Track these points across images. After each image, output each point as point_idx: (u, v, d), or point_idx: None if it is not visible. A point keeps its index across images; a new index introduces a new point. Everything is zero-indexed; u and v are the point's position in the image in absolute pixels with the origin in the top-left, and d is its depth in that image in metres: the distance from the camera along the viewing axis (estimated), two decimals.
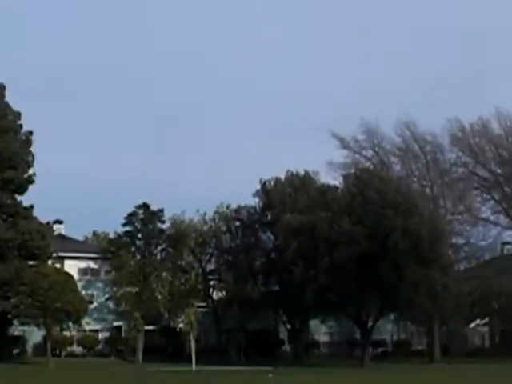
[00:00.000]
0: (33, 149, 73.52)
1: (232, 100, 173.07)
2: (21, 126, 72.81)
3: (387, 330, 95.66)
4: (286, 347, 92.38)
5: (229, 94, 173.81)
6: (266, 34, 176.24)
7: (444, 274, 76.52)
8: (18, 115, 72.38)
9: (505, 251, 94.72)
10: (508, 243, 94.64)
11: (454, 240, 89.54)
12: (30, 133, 73.16)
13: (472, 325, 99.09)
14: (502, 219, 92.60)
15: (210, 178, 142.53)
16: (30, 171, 73.11)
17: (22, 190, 73.26)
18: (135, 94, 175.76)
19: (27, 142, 72.86)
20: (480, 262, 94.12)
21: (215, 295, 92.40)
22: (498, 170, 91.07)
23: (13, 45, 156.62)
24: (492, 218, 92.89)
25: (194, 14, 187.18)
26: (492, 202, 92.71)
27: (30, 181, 73.13)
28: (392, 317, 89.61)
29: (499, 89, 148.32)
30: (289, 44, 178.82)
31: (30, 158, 72.88)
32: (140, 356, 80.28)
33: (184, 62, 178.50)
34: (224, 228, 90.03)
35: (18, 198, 73.54)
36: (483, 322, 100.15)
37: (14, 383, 49.13)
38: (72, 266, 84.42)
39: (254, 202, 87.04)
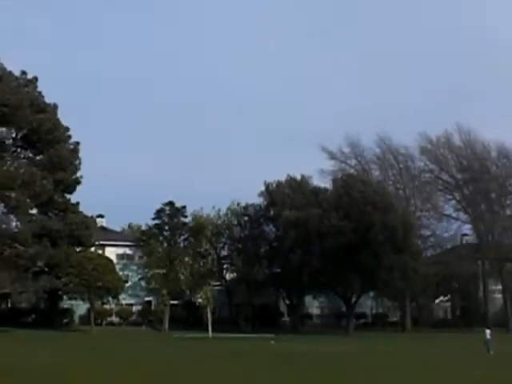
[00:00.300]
0: (80, 155, 73.55)
1: (243, 117, 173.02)
2: (69, 137, 72.66)
3: (368, 304, 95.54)
4: (286, 318, 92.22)
5: (241, 112, 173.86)
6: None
7: (414, 260, 76.88)
8: (67, 129, 72.23)
9: (464, 241, 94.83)
10: (466, 235, 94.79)
11: (422, 232, 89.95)
12: (77, 143, 73.06)
13: (437, 301, 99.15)
14: (462, 215, 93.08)
15: (223, 181, 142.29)
16: (78, 174, 73.04)
17: (71, 189, 73.19)
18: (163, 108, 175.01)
19: (75, 150, 72.71)
20: (443, 249, 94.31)
21: (228, 276, 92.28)
22: (459, 176, 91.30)
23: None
24: (453, 214, 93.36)
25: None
26: (453, 201, 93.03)
27: (78, 182, 73.07)
28: (371, 294, 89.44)
29: (460, 107, 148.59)
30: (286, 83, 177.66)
31: (77, 163, 72.77)
32: (166, 325, 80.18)
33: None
34: (235, 221, 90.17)
35: (68, 196, 73.48)
36: (446, 298, 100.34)
37: (64, 347, 49.08)
38: (111, 252, 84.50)
39: (260, 200, 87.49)
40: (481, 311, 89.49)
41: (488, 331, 43.82)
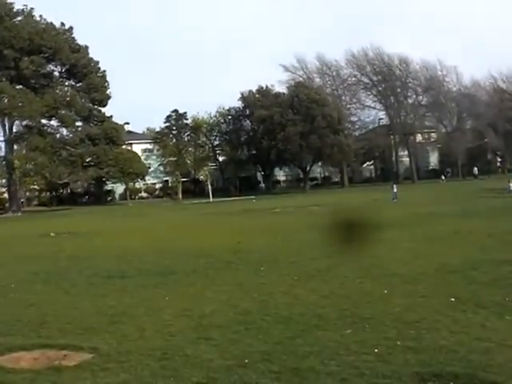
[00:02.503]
0: (109, 80, 72.75)
1: (230, 45, 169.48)
2: (99, 68, 71.48)
3: (317, 171, 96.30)
4: (262, 185, 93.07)
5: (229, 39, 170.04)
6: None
7: (347, 138, 77.65)
8: (97, 62, 71.00)
9: (380, 123, 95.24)
10: (381, 118, 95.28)
11: (351, 119, 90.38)
12: (104, 71, 71.91)
13: (364, 165, 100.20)
14: (378, 105, 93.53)
15: (212, 91, 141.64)
16: (107, 92, 72.10)
17: (104, 105, 72.49)
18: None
19: (103, 76, 71.56)
20: (367, 130, 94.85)
21: (220, 158, 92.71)
22: (374, 78, 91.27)
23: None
24: (372, 105, 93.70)
25: None
26: (371, 96, 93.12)
27: (108, 98, 72.20)
28: (320, 163, 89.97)
29: (375, 30, 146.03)
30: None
31: (106, 85, 71.81)
32: (180, 195, 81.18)
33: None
34: (222, 120, 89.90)
35: (102, 110, 72.93)
36: (370, 163, 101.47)
37: (112, 214, 49.90)
38: (137, 148, 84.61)
39: (238, 104, 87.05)
40: (394, 170, 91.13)
41: (395, 186, 44.41)
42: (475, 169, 78.36)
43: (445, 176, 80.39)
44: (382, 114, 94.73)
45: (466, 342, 7.02)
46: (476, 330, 7.45)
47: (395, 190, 42.46)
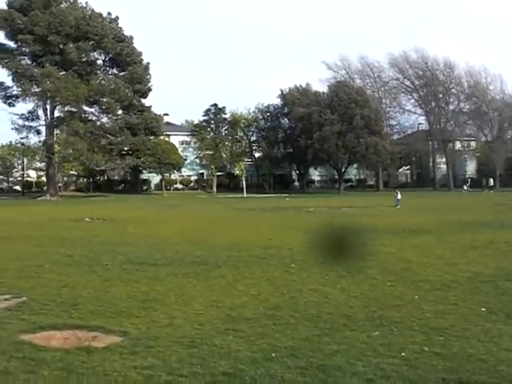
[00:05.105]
0: (150, 72, 73.30)
1: (272, 41, 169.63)
2: (142, 59, 72.08)
3: (353, 173, 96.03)
4: (296, 183, 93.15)
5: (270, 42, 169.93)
6: None
7: (384, 140, 76.98)
8: (140, 53, 71.63)
9: (419, 128, 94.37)
10: (421, 124, 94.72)
11: (390, 122, 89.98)
12: (148, 63, 72.62)
13: (400, 170, 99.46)
14: (418, 110, 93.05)
15: (252, 88, 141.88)
16: (149, 84, 72.72)
17: (145, 96, 73.18)
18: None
19: (147, 68, 72.26)
20: (405, 134, 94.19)
21: (256, 155, 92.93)
22: (416, 82, 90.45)
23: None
24: (412, 109, 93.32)
25: None
26: (412, 100, 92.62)
27: (149, 90, 72.84)
28: (355, 165, 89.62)
29: (418, 31, 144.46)
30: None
31: (148, 77, 72.37)
32: (214, 189, 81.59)
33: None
34: (260, 116, 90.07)
35: (143, 100, 73.65)
36: (407, 168, 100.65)
37: (147, 203, 50.43)
38: (174, 139, 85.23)
39: (277, 101, 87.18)
40: (431, 176, 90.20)
41: (399, 192, 42.01)
42: (491, 180, 75.89)
43: (466, 186, 79.01)
44: (421, 119, 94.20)
45: (495, 352, 6.92)
46: (506, 341, 7.34)
47: (399, 197, 41.32)
